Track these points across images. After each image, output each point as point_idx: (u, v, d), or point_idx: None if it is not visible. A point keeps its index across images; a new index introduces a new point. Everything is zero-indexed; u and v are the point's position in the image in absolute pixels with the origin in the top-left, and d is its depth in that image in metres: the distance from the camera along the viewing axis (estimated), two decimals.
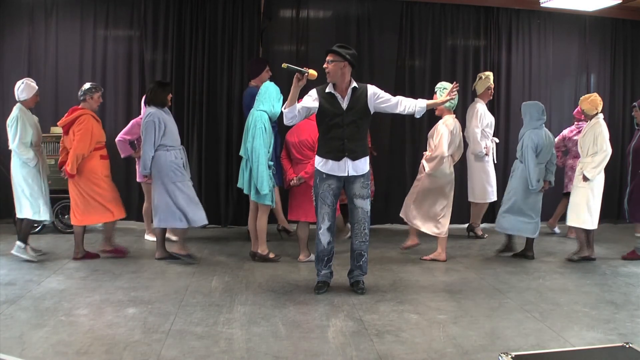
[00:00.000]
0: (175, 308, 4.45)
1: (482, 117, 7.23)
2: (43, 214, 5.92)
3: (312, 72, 4.60)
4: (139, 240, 6.86)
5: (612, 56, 8.68)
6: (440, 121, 5.95)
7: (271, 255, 5.97)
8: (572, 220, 6.17)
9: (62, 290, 4.87)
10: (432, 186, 5.94)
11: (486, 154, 7.24)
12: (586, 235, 6.20)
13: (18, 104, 5.83)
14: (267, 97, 5.80)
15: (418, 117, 4.97)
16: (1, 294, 4.68)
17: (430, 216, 6.03)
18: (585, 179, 6.03)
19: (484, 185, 7.33)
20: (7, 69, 7.52)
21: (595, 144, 6.04)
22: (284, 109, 4.73)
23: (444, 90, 5.85)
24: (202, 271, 5.58)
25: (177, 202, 5.75)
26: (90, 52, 7.64)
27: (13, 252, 5.82)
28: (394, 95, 4.95)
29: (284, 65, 4.65)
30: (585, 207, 6.08)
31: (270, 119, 5.78)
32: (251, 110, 5.87)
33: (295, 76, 4.60)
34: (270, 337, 3.92)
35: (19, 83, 5.88)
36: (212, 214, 7.80)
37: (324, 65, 4.76)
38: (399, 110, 4.86)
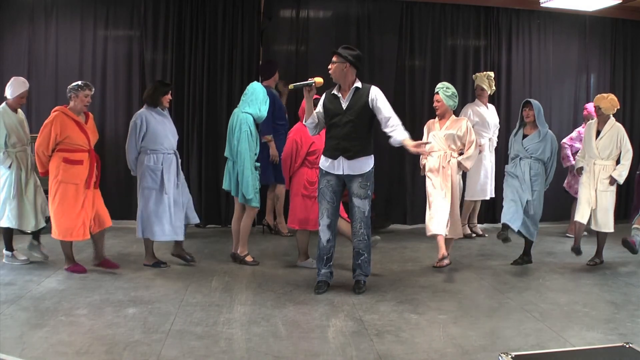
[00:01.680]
0: (175, 308, 4.45)
1: (470, 116, 7.28)
2: (6, 221, 5.56)
3: (318, 80, 4.78)
4: (139, 240, 6.84)
5: (612, 56, 8.68)
6: (464, 119, 5.94)
7: (248, 259, 5.85)
8: (603, 226, 5.97)
9: (62, 290, 4.87)
10: (461, 185, 5.94)
11: (480, 151, 7.21)
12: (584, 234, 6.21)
13: (3, 103, 5.65)
14: (254, 99, 5.72)
15: (393, 145, 4.91)
16: (1, 294, 4.68)
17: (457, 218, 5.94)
18: (613, 182, 5.93)
19: (479, 183, 7.35)
20: (7, 69, 7.50)
21: (617, 147, 5.95)
22: (305, 122, 4.98)
23: (447, 90, 5.85)
24: (202, 271, 5.58)
25: (142, 208, 5.59)
26: (90, 52, 7.64)
27: (4, 261, 5.68)
28: (393, 98, 5.01)
29: (291, 86, 4.93)
30: (611, 212, 6.01)
31: (255, 121, 5.74)
32: (235, 111, 5.80)
33: (304, 89, 4.79)
34: (270, 337, 3.92)
35: (10, 80, 5.69)
36: (212, 214, 7.85)
37: (329, 67, 4.84)
38: (384, 128, 4.87)
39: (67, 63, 7.60)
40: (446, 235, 5.73)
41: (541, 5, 7.59)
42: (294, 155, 5.63)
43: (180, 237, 5.71)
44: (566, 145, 7.45)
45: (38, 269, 5.49)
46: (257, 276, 5.45)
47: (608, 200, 5.99)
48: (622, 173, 5.95)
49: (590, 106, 7.15)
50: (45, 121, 5.38)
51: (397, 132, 4.83)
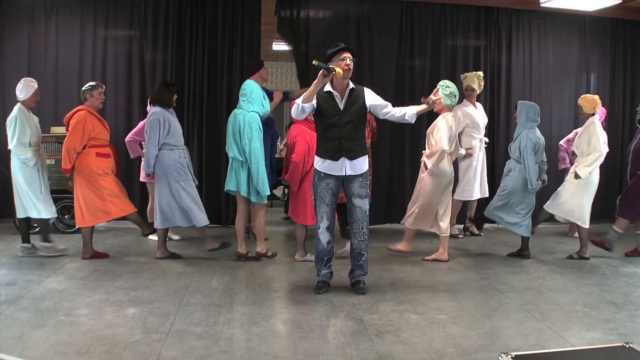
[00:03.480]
0: (175, 308, 4.45)
1: (460, 118, 7.17)
2: (44, 212, 5.91)
3: (339, 71, 4.59)
4: (139, 240, 6.86)
5: (612, 56, 8.69)
6: (440, 117, 5.90)
7: (269, 253, 6.01)
8: (551, 207, 6.28)
9: (62, 290, 4.87)
10: (434, 184, 5.88)
11: (469, 155, 7.07)
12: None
13: (18, 104, 5.83)
14: (256, 98, 5.76)
15: (411, 122, 5.01)
16: (1, 294, 4.68)
17: (434, 216, 6.00)
18: (576, 176, 6.06)
19: (467, 183, 7.33)
20: (7, 69, 7.53)
21: (589, 144, 6.05)
22: (304, 103, 4.66)
23: (446, 89, 5.85)
24: (202, 271, 5.58)
25: (181, 202, 5.79)
26: (90, 52, 7.65)
27: (20, 254, 5.86)
28: (392, 98, 5.01)
29: (315, 62, 4.62)
30: (577, 204, 6.12)
31: (260, 118, 5.78)
32: (238, 111, 5.77)
33: (321, 72, 4.55)
34: (270, 337, 3.92)
35: (19, 83, 5.89)
36: (212, 214, 7.81)
37: (347, 63, 4.69)
38: (393, 114, 4.91)
39: (67, 63, 7.61)
40: (406, 226, 6.16)
41: (541, 5, 7.60)
42: (307, 156, 5.65)
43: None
44: (562, 147, 7.42)
45: (38, 269, 5.50)
46: (257, 276, 5.46)
47: (568, 190, 6.18)
48: (584, 169, 6.05)
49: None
50: (76, 120, 5.69)
51: (405, 111, 4.93)
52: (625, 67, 8.75)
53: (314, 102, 4.76)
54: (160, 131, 5.71)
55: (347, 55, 4.72)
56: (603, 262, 6.19)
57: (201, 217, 5.92)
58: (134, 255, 6.11)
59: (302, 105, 4.67)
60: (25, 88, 5.83)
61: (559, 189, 6.34)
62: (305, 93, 4.68)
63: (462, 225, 7.59)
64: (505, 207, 6.19)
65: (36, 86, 5.92)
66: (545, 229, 7.73)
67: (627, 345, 2.62)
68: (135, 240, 6.87)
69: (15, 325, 3.99)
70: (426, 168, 5.88)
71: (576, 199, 6.15)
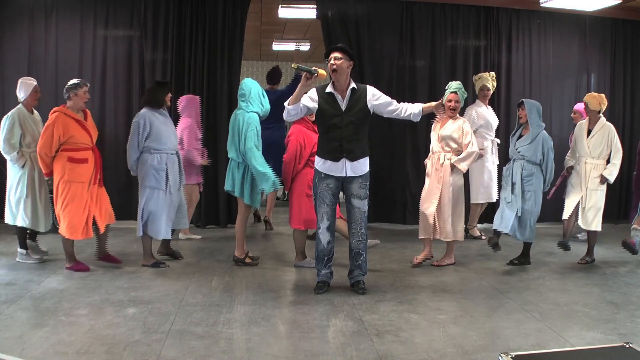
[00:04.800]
0: (175, 308, 4.45)
1: (475, 118, 7.20)
2: (21, 220, 5.64)
3: (322, 72, 4.60)
4: (140, 240, 6.83)
5: (612, 56, 8.69)
6: (460, 120, 5.85)
7: (247, 260, 5.84)
8: (592, 225, 6.02)
9: (62, 290, 4.87)
10: (460, 185, 5.86)
11: (481, 155, 7.17)
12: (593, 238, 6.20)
13: (19, 104, 5.77)
14: (255, 97, 5.69)
15: (416, 120, 5.00)
16: (1, 294, 4.68)
17: (460, 219, 5.90)
18: (603, 181, 5.97)
19: (483, 185, 7.35)
20: (7, 69, 7.53)
21: (608, 145, 6.00)
22: (289, 105, 4.72)
23: (464, 93, 5.88)
24: (202, 271, 5.58)
25: (143, 207, 5.60)
26: (90, 52, 7.65)
27: (18, 259, 5.77)
28: (393, 98, 4.99)
29: (294, 65, 4.66)
30: (601, 211, 6.04)
31: (260, 118, 5.75)
32: (239, 112, 5.66)
33: (304, 75, 4.59)
34: (270, 337, 3.92)
35: (17, 84, 5.80)
36: (211, 214, 7.85)
37: (332, 62, 4.69)
38: (399, 113, 4.89)
39: (67, 63, 7.61)
40: (434, 239, 5.87)
41: (541, 5, 7.60)
42: (298, 156, 5.62)
43: (169, 236, 5.84)
44: None
45: (38, 269, 5.50)
46: (257, 276, 5.45)
47: (599, 198, 6.03)
48: (612, 172, 6.00)
49: (578, 106, 7.14)
50: (47, 123, 5.39)
51: (410, 109, 4.89)
52: (625, 67, 8.75)
53: (310, 105, 4.80)
54: (140, 134, 5.51)
55: (333, 55, 4.72)
56: (603, 262, 6.19)
57: (156, 229, 5.64)
58: (134, 255, 6.10)
59: (287, 108, 4.73)
60: (23, 87, 5.75)
61: (590, 204, 6.01)
62: (291, 97, 4.72)
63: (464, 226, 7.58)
64: (527, 213, 5.91)
65: (34, 83, 5.81)
66: (545, 229, 7.72)
67: (627, 345, 2.62)
68: (135, 240, 6.86)
69: (15, 325, 3.99)
70: (452, 170, 5.76)
71: (601, 204, 6.04)
